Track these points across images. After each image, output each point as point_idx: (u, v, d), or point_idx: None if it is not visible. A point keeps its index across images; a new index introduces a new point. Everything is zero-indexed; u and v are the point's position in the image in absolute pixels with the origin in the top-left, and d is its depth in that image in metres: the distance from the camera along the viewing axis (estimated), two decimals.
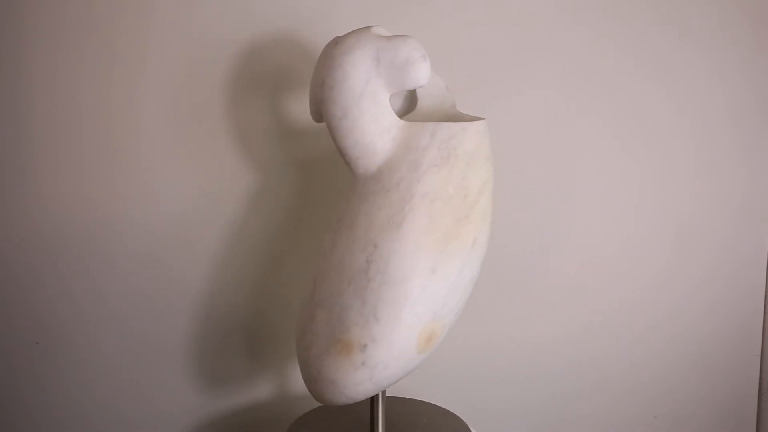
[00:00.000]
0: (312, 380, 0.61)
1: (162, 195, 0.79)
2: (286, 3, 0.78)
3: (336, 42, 0.58)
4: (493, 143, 0.83)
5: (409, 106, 0.69)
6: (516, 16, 0.82)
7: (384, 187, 0.58)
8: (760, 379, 0.94)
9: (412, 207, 0.57)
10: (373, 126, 0.57)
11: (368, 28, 0.58)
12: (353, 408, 0.62)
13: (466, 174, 0.58)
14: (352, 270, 0.58)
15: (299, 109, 0.79)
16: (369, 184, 0.59)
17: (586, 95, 0.84)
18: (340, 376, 0.58)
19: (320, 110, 0.59)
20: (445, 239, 0.57)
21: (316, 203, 0.81)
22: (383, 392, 0.67)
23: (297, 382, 0.85)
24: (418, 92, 0.68)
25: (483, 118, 0.62)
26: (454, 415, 0.75)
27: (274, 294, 0.83)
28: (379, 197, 0.58)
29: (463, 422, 0.73)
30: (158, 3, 0.76)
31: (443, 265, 0.57)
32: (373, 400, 0.68)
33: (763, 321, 0.93)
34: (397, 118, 0.58)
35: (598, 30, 0.83)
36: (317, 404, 0.77)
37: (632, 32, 0.84)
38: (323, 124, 0.60)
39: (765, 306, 0.93)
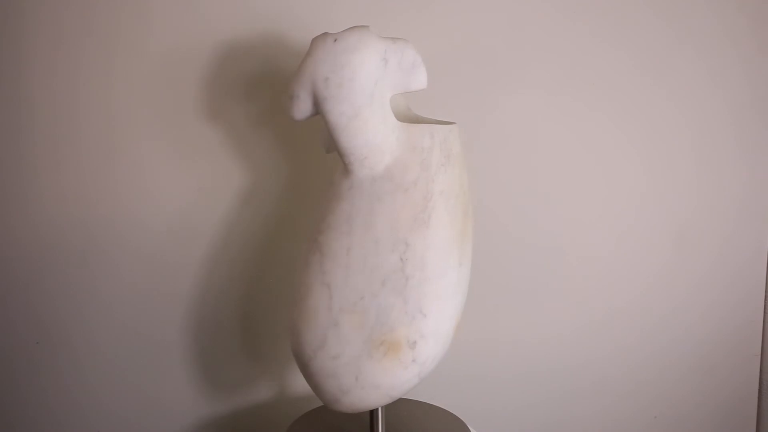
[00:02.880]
0: (344, 391, 0.59)
1: (162, 195, 0.79)
2: (280, 5, 0.78)
3: (335, 38, 0.57)
4: (493, 144, 0.84)
5: None
6: (516, 17, 0.82)
7: (400, 186, 0.58)
8: (760, 379, 0.94)
9: (434, 205, 0.58)
10: (382, 127, 0.57)
11: (365, 27, 0.58)
12: None
13: (461, 173, 0.61)
14: (384, 270, 0.57)
15: None
16: (380, 184, 0.58)
17: (586, 96, 0.84)
18: (387, 378, 0.58)
19: (312, 107, 0.58)
20: (461, 234, 0.61)
21: (312, 202, 0.81)
22: None
23: (297, 383, 0.86)
24: None
25: (443, 120, 0.63)
26: (454, 415, 0.75)
27: (275, 294, 0.83)
28: (398, 197, 0.58)
29: (463, 422, 0.73)
30: (158, 4, 0.76)
31: (464, 257, 0.61)
32: None
33: (763, 321, 0.93)
34: (396, 119, 0.58)
35: (597, 30, 0.83)
36: (316, 404, 0.77)
37: (632, 33, 0.84)
38: (303, 123, 0.60)
39: (765, 306, 0.93)
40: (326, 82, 0.56)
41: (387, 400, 0.60)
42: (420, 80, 0.58)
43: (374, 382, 0.58)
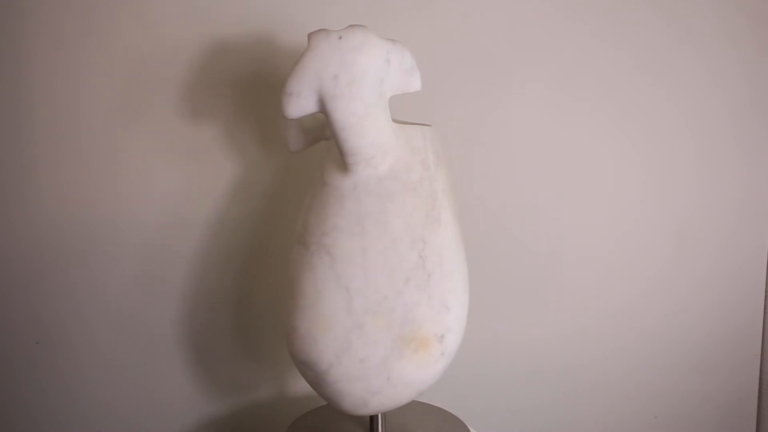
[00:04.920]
0: (373, 392, 0.59)
1: (163, 194, 0.79)
2: (275, 5, 0.78)
3: (339, 36, 0.55)
4: (494, 144, 0.84)
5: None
6: (516, 17, 0.82)
7: (408, 186, 0.58)
8: (760, 378, 0.94)
9: (441, 203, 0.60)
10: (387, 126, 0.57)
11: (364, 26, 0.57)
12: None
13: (448, 172, 0.63)
14: (405, 268, 0.57)
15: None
16: (387, 184, 0.58)
17: (586, 96, 0.84)
18: (419, 374, 0.59)
19: (315, 105, 0.56)
20: (460, 230, 0.62)
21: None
22: None
23: (297, 383, 0.86)
24: None
25: (410, 121, 0.64)
26: (454, 415, 0.75)
27: (276, 294, 0.83)
28: (408, 196, 0.58)
29: (463, 422, 0.73)
30: (158, 5, 0.76)
31: (464, 253, 0.63)
32: None
33: (763, 321, 0.93)
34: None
35: (597, 31, 0.83)
36: (316, 404, 0.77)
37: (632, 33, 0.84)
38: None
39: (765, 306, 0.93)
40: (335, 79, 0.55)
41: (416, 396, 0.61)
42: (416, 82, 0.58)
43: (406, 379, 0.59)
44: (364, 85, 0.55)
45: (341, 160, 0.58)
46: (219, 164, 0.80)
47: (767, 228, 0.90)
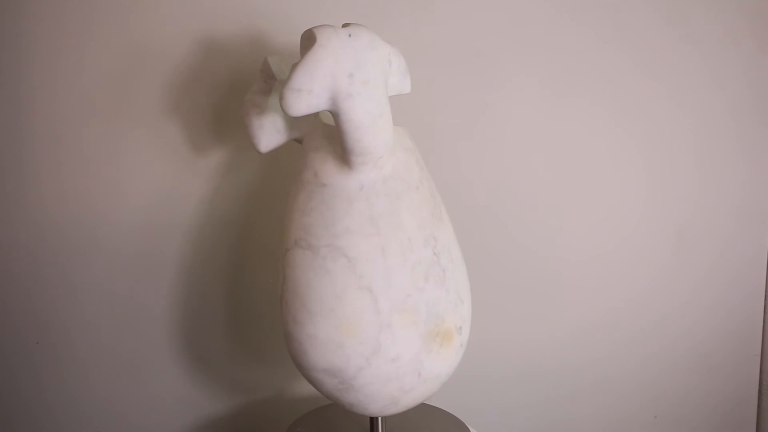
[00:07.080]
0: (406, 390, 0.59)
1: (164, 194, 0.79)
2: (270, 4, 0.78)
3: (348, 33, 0.54)
4: (493, 144, 0.84)
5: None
6: (516, 17, 0.82)
7: (411, 185, 0.59)
8: (760, 379, 0.94)
9: (440, 201, 0.62)
10: (391, 126, 0.57)
11: (363, 25, 0.56)
12: None
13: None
14: (424, 265, 0.58)
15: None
16: (392, 183, 0.58)
17: (586, 96, 0.84)
18: (445, 367, 0.61)
19: (325, 103, 0.54)
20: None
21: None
22: None
23: (297, 382, 0.86)
24: None
25: None
26: (454, 415, 0.75)
27: (277, 294, 0.83)
28: (413, 195, 0.59)
29: (463, 423, 0.73)
30: (159, 5, 0.76)
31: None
32: None
33: (763, 321, 0.93)
34: None
35: (597, 30, 0.83)
36: (315, 405, 0.77)
37: (632, 32, 0.84)
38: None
39: (765, 306, 0.93)
40: (351, 78, 0.53)
41: (439, 389, 0.63)
42: (408, 84, 0.59)
43: (435, 373, 0.60)
44: (377, 84, 0.55)
45: (342, 160, 0.57)
46: (222, 163, 0.80)
47: (767, 228, 0.90)
